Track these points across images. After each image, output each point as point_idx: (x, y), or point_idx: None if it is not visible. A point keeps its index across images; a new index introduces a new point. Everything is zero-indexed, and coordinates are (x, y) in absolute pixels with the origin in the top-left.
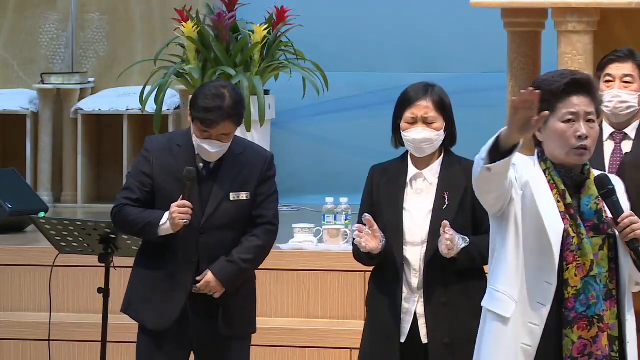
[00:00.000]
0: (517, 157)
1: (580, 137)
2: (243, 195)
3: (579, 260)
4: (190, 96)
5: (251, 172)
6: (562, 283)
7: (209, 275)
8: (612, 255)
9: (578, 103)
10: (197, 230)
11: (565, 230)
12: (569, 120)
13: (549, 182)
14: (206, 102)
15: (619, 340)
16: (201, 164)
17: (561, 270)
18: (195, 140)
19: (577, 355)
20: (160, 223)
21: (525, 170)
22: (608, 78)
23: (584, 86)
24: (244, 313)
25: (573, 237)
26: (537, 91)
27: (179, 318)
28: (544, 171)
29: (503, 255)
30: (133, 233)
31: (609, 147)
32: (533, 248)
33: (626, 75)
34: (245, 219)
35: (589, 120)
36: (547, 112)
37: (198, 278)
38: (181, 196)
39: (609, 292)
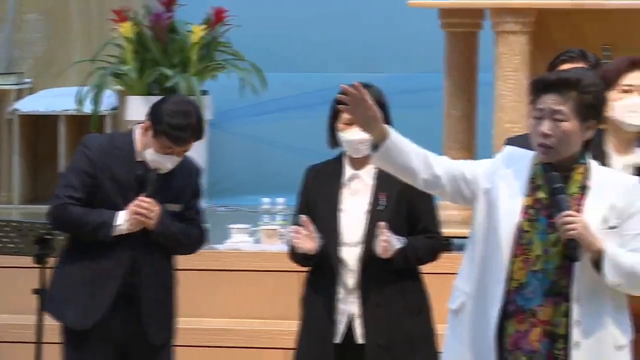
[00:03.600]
0: (506, 153)
1: (541, 135)
2: (176, 207)
3: (527, 255)
4: (150, 108)
5: (186, 185)
6: (509, 276)
7: (158, 207)
8: (567, 253)
9: (546, 101)
10: (131, 235)
11: (518, 224)
12: (536, 117)
13: (531, 175)
14: (177, 121)
15: (566, 339)
16: (139, 172)
17: (511, 264)
18: (150, 153)
19: (511, 348)
20: (116, 223)
21: (505, 165)
22: None
23: (555, 85)
24: (170, 321)
25: (527, 231)
26: (356, 84)
27: (106, 321)
28: (534, 165)
29: (466, 251)
30: (79, 233)
31: None
32: (492, 241)
33: None
34: None
35: (556, 119)
36: (369, 103)
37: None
38: (143, 195)
39: (557, 289)
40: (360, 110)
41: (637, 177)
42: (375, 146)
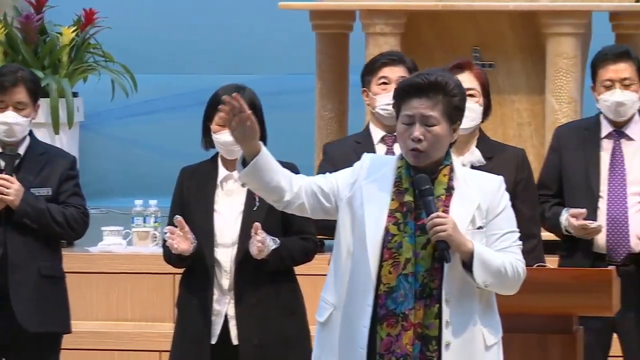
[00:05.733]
0: (366, 161)
1: (413, 140)
2: (44, 191)
3: (397, 258)
4: None
5: (53, 170)
6: (379, 280)
7: (17, 183)
8: (437, 254)
9: (416, 106)
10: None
11: (385, 228)
12: (406, 123)
13: (395, 179)
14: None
15: (438, 341)
16: (2, 162)
17: (380, 268)
18: None
19: (383, 352)
20: None
21: (367, 172)
22: (384, 81)
23: (425, 89)
24: (50, 308)
25: (395, 235)
26: (235, 95)
27: None
28: (397, 168)
29: (331, 263)
30: None
31: (381, 149)
32: (359, 248)
33: (401, 77)
34: None
35: (427, 124)
36: (249, 112)
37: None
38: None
39: (428, 291)
40: (239, 122)
41: (500, 177)
42: (243, 161)
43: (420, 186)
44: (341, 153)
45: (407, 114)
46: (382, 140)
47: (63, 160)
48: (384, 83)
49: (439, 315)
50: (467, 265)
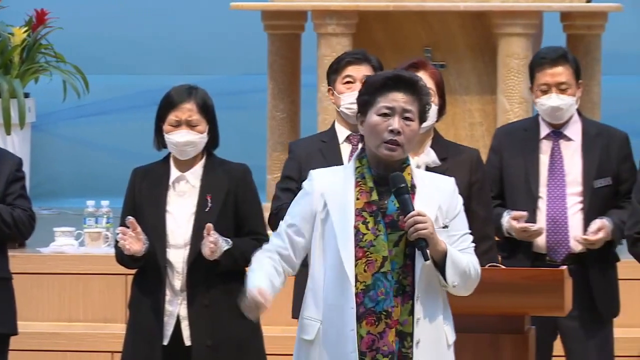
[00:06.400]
0: (315, 176)
1: (392, 132)
2: None
3: (370, 257)
4: None
5: (0, 172)
6: (355, 279)
7: None
8: (408, 251)
9: (397, 99)
10: None
11: (355, 227)
12: (384, 114)
13: (356, 179)
14: None
15: (412, 337)
16: None
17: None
18: None
19: (365, 350)
20: None
21: (322, 186)
22: (348, 79)
23: (407, 84)
24: (2, 311)
25: (365, 233)
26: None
27: None
28: (356, 169)
29: (308, 281)
30: None
31: (346, 149)
32: (333, 254)
33: (366, 76)
34: None
35: (406, 118)
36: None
37: None
38: None
39: (402, 288)
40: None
41: (453, 179)
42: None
43: (397, 184)
44: (306, 152)
45: (385, 106)
46: (347, 139)
47: (10, 161)
48: (349, 82)
49: (411, 312)
50: (439, 264)
